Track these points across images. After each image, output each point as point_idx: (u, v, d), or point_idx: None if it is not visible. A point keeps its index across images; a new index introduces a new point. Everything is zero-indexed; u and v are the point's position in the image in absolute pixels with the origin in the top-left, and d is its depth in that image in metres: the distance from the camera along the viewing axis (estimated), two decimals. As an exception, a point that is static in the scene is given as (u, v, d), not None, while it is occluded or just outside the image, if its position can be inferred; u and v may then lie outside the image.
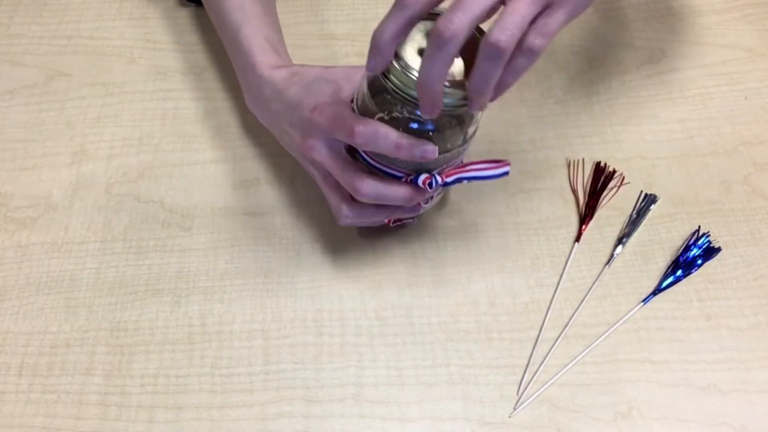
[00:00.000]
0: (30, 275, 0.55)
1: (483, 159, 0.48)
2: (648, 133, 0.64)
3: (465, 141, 0.48)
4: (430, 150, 0.45)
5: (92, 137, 0.63)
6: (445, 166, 0.48)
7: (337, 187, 0.51)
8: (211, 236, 0.57)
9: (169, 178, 0.60)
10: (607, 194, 0.59)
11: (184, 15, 0.71)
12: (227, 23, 0.59)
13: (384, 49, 0.41)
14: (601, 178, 0.60)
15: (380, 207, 0.50)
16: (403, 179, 0.48)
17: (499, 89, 0.42)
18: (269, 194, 0.60)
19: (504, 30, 0.38)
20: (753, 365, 0.52)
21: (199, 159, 0.62)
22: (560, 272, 0.56)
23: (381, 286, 0.55)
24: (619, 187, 0.60)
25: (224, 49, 0.62)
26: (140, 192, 0.60)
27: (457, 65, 0.43)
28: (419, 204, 0.51)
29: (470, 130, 0.48)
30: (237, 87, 0.65)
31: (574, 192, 0.60)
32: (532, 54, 0.40)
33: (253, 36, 0.57)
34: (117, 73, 0.67)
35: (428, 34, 0.41)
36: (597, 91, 0.66)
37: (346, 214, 0.51)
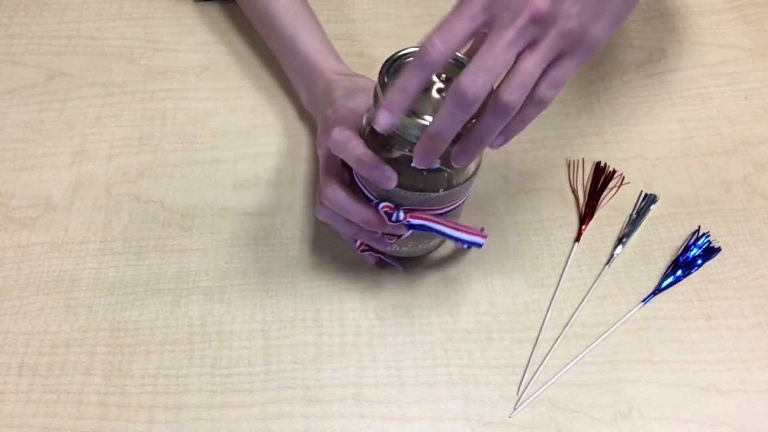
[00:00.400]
0: (30, 275, 0.55)
1: (467, 225, 0.47)
2: (648, 133, 0.64)
3: (444, 189, 0.46)
4: (387, 177, 0.43)
5: (92, 137, 0.63)
6: (417, 206, 0.46)
7: None
8: (211, 236, 0.57)
9: (169, 178, 0.60)
10: (607, 194, 0.59)
11: (185, 15, 0.71)
12: (277, 24, 0.61)
13: (397, 109, 0.39)
14: (601, 178, 0.60)
15: (346, 220, 0.49)
16: (372, 203, 0.47)
17: (507, 134, 0.41)
18: (269, 194, 0.60)
19: (514, 90, 0.38)
20: (753, 365, 0.52)
21: (199, 159, 0.62)
22: (560, 272, 0.56)
23: (381, 286, 0.55)
24: (619, 187, 0.60)
25: (225, 49, 0.62)
26: (140, 192, 0.60)
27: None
28: (384, 237, 0.49)
29: (454, 181, 0.46)
30: (237, 87, 0.66)
31: (574, 192, 0.60)
32: (543, 104, 0.40)
33: (311, 39, 0.59)
34: (117, 73, 0.67)
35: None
36: (597, 91, 0.66)
37: (319, 209, 0.51)
